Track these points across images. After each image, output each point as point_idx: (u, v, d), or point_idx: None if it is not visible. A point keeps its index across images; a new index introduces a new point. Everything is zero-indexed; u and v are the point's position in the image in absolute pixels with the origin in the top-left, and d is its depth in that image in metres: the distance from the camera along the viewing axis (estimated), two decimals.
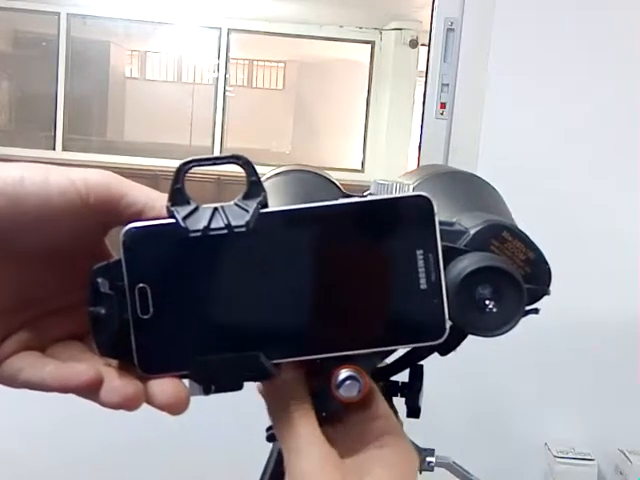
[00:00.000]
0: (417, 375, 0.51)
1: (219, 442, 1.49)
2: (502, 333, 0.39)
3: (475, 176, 0.59)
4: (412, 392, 0.52)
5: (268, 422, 0.53)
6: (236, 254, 0.37)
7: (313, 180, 0.58)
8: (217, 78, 5.31)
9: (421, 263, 0.37)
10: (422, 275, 0.37)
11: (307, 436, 0.38)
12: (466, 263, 0.39)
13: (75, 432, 1.40)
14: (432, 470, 0.87)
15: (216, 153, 5.26)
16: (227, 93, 5.32)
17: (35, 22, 5.20)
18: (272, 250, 0.37)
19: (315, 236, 0.37)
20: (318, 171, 0.60)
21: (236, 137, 5.39)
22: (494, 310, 0.39)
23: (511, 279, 0.39)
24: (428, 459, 0.87)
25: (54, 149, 5.15)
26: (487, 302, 0.39)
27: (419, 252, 0.37)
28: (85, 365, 0.37)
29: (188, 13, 5.10)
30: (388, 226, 0.37)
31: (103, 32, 5.16)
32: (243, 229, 0.36)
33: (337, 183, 0.59)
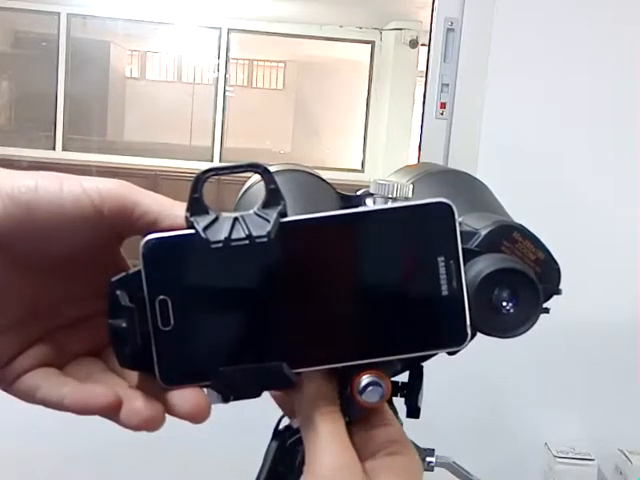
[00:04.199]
0: (417, 375, 0.51)
1: (218, 441, 1.49)
2: (520, 334, 0.39)
3: (467, 174, 0.59)
4: (412, 392, 0.52)
5: (267, 422, 0.53)
6: (257, 264, 0.37)
7: (307, 180, 0.57)
8: (217, 78, 5.31)
9: (442, 270, 0.37)
10: (443, 282, 0.37)
11: (329, 438, 0.37)
12: (482, 265, 0.40)
13: (80, 431, 1.40)
14: (432, 470, 0.87)
15: (216, 153, 5.27)
16: (227, 93, 5.31)
17: (35, 22, 5.19)
18: (294, 259, 0.37)
19: (336, 244, 0.37)
20: (310, 170, 0.59)
21: (236, 137, 5.39)
22: (511, 311, 0.39)
23: (528, 280, 0.39)
24: (428, 459, 0.87)
25: (54, 149, 5.15)
26: (504, 303, 0.39)
27: (440, 259, 0.37)
28: (104, 387, 0.37)
29: (188, 13, 5.10)
30: (410, 233, 0.37)
31: (103, 32, 5.16)
32: (265, 239, 0.36)
33: (329, 182, 0.59)
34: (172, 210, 0.37)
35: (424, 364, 0.50)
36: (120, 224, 0.37)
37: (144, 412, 0.36)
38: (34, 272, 0.38)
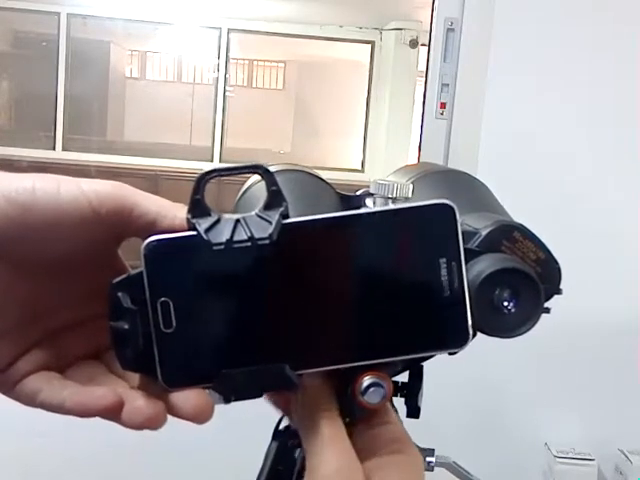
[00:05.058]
0: (417, 375, 0.51)
1: (219, 441, 1.49)
2: (521, 334, 0.39)
3: (467, 174, 0.59)
4: (412, 392, 0.52)
5: (267, 422, 0.53)
6: (259, 266, 0.37)
7: (307, 180, 0.57)
8: (217, 78, 5.31)
9: (444, 271, 0.37)
10: (445, 283, 0.37)
11: (328, 440, 0.37)
12: (483, 266, 0.40)
13: (82, 431, 1.40)
14: (432, 470, 0.87)
15: (216, 153, 5.27)
16: (227, 93, 5.32)
17: (35, 22, 5.19)
18: (295, 261, 0.37)
19: (338, 246, 0.37)
20: (309, 170, 0.59)
21: (236, 137, 5.39)
22: (512, 311, 0.39)
23: (529, 280, 0.39)
24: (428, 459, 0.87)
25: (54, 149, 5.15)
26: (505, 303, 0.39)
27: (442, 260, 0.37)
28: (105, 388, 0.37)
29: (188, 13, 5.10)
30: (412, 234, 0.37)
31: (103, 32, 5.16)
32: (267, 241, 0.36)
33: (328, 182, 0.59)
34: (171, 211, 0.37)
35: (424, 364, 0.50)
36: (118, 225, 0.37)
37: (146, 410, 0.36)
38: (32, 274, 0.38)
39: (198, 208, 0.37)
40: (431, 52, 1.50)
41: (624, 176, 1.49)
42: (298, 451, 0.57)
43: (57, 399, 0.37)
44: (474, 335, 0.38)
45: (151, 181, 4.77)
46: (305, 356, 0.37)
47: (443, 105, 1.50)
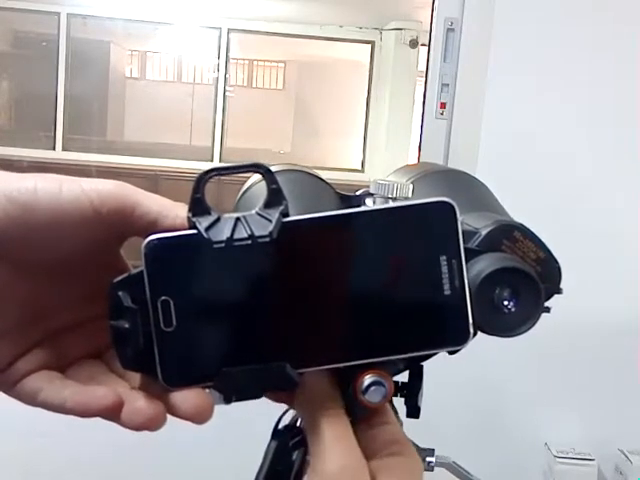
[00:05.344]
0: (417, 375, 0.51)
1: (218, 441, 1.49)
2: (521, 333, 0.39)
3: (467, 174, 0.59)
4: (412, 392, 0.52)
5: (267, 422, 0.53)
6: (260, 264, 0.37)
7: (307, 180, 0.57)
8: (217, 78, 5.31)
9: (445, 269, 0.37)
10: (446, 281, 0.37)
11: (334, 438, 0.37)
12: (483, 265, 0.40)
13: (84, 431, 1.40)
14: (432, 470, 0.87)
15: (216, 153, 5.27)
16: (227, 93, 5.32)
17: (35, 22, 5.19)
18: (296, 259, 0.37)
19: (339, 244, 0.37)
20: (309, 170, 0.59)
21: (236, 137, 5.39)
22: (512, 310, 0.39)
23: (529, 279, 0.39)
24: (428, 459, 0.87)
25: (54, 149, 5.15)
26: (506, 303, 0.39)
27: (442, 258, 0.37)
28: (105, 388, 0.37)
29: (188, 13, 5.10)
30: (412, 232, 0.37)
31: (103, 32, 5.16)
32: (267, 239, 0.36)
33: (328, 182, 0.59)
34: (172, 210, 0.37)
35: (424, 364, 0.50)
36: (119, 225, 0.37)
37: (146, 411, 0.36)
38: (33, 274, 0.38)
39: (198, 207, 0.37)
40: (431, 52, 1.50)
41: (624, 176, 1.49)
42: (296, 452, 0.57)
43: (58, 398, 0.37)
44: (474, 334, 0.38)
45: (151, 181, 4.77)
46: (306, 354, 0.37)
47: (443, 105, 1.50)
